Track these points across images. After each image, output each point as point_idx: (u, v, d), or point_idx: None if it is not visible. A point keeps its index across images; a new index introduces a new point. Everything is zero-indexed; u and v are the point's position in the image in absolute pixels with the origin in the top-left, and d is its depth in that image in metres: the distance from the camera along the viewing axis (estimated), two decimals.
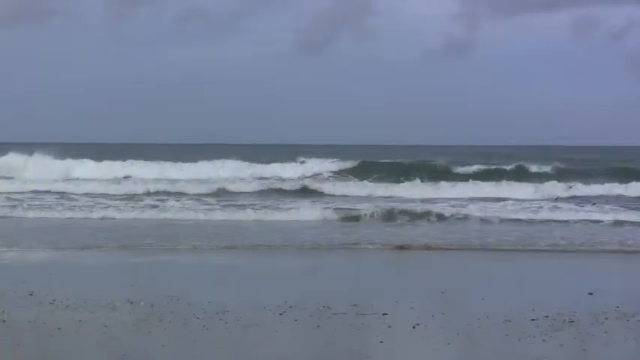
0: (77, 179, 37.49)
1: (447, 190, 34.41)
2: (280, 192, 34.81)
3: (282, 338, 9.75)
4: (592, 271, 16.52)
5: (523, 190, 33.72)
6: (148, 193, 32.89)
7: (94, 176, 38.73)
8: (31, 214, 25.92)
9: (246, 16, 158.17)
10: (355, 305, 11.32)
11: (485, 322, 10.49)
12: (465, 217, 25.12)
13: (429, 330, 10.09)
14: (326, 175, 42.07)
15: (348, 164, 44.25)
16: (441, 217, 25.15)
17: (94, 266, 15.93)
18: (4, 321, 10.31)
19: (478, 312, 11.03)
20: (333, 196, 33.65)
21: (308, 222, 24.20)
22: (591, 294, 12.40)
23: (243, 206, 27.77)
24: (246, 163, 43.25)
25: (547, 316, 10.72)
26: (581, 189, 34.40)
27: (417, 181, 37.99)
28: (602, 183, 35.91)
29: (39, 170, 39.85)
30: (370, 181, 38.35)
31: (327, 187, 35.75)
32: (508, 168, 43.44)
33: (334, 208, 26.69)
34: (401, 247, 18.66)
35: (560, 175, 41.16)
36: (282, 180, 38.52)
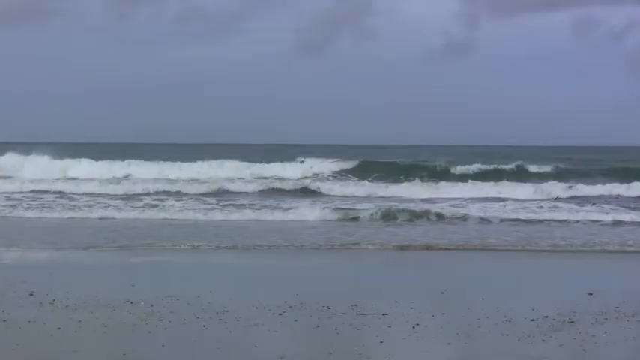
0: (77, 179, 37.48)
1: (447, 190, 34.43)
2: (280, 192, 34.83)
3: (282, 338, 9.76)
4: (592, 271, 16.52)
5: (523, 190, 33.72)
6: (148, 193, 32.90)
7: (93, 176, 38.74)
8: (30, 214, 25.94)
9: (246, 16, 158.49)
10: (355, 305, 11.33)
11: (485, 322, 10.50)
12: (465, 217, 25.13)
13: (429, 330, 10.10)
14: (326, 175, 42.07)
15: (348, 164, 44.26)
16: (440, 217, 25.16)
17: (93, 266, 15.93)
18: (4, 321, 10.32)
19: (478, 312, 11.03)
20: (332, 196, 33.66)
21: (308, 222, 24.22)
22: (591, 294, 12.40)
23: (242, 206, 27.79)
24: (245, 163, 43.25)
25: (547, 316, 10.72)
26: (581, 189, 34.42)
27: (417, 181, 38.04)
28: (602, 183, 35.94)
29: (38, 170, 39.84)
30: (370, 181, 38.39)
31: (326, 187, 35.76)
32: (508, 168, 43.48)
33: (334, 208, 26.70)
34: (401, 247, 18.66)
35: (560, 175, 41.22)
36: (282, 180, 38.53)
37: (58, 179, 37.15)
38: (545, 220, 24.74)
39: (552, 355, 9.16)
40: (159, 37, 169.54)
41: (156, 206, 27.83)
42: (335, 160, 45.20)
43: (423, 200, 30.73)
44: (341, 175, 42.06)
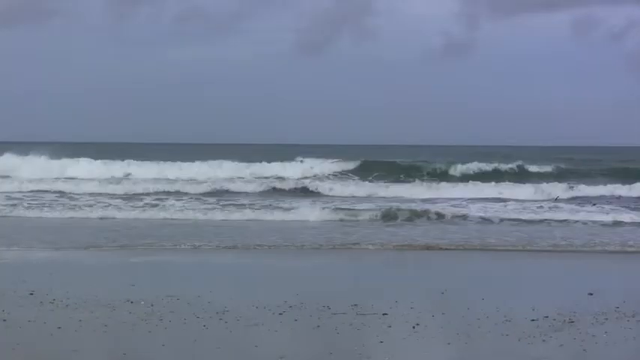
0: (77, 179, 37.47)
1: (447, 190, 34.45)
2: (280, 192, 34.83)
3: (282, 338, 9.76)
4: (592, 271, 16.52)
5: (523, 190, 33.73)
6: (148, 193, 32.89)
7: (93, 176, 38.73)
8: (30, 214, 25.94)
9: (246, 16, 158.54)
10: (355, 305, 11.32)
11: (485, 322, 10.49)
12: (465, 217, 25.14)
13: (429, 330, 10.09)
14: (326, 175, 42.07)
15: (349, 164, 44.25)
16: (441, 217, 25.16)
17: (94, 266, 15.92)
18: (4, 320, 10.32)
19: (478, 312, 11.03)
20: (333, 196, 33.65)
21: (308, 222, 24.22)
22: (591, 294, 12.39)
23: (243, 206, 27.79)
24: (245, 163, 43.23)
25: (547, 317, 10.72)
26: (581, 189, 34.43)
27: (417, 181, 38.06)
28: (603, 183, 35.95)
29: (38, 169, 39.83)
30: (370, 181, 38.40)
31: (327, 187, 35.75)
32: (508, 168, 43.48)
33: (334, 208, 26.70)
34: (401, 247, 18.68)
35: (561, 176, 41.24)
36: (282, 180, 38.53)
37: (57, 179, 37.14)
38: (546, 220, 24.74)
39: (553, 355, 9.16)
40: (159, 37, 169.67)
41: (156, 206, 27.84)
42: (335, 160, 45.18)
43: (424, 200, 30.73)
44: (341, 175, 42.06)
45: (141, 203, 28.67)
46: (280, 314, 10.83)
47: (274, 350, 9.11)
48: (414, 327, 10.15)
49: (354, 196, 33.12)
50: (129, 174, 40.47)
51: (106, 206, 27.31)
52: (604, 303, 11.70)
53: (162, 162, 43.26)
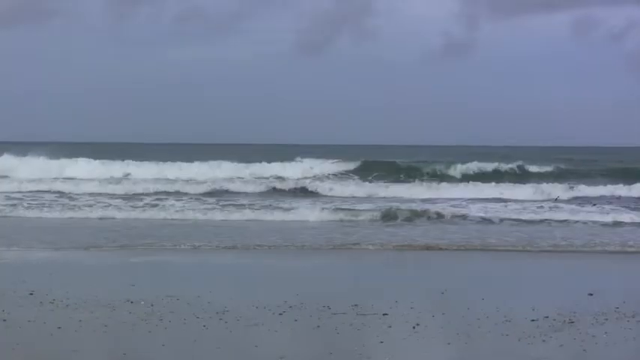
0: (77, 179, 37.45)
1: (447, 190, 34.43)
2: (280, 192, 34.82)
3: (282, 338, 9.75)
4: (592, 271, 16.52)
5: (523, 190, 33.73)
6: (148, 193, 32.88)
7: (93, 176, 38.71)
8: (30, 214, 25.94)
9: (246, 16, 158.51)
10: (355, 305, 11.32)
11: (485, 322, 10.49)
12: (465, 218, 25.13)
13: (429, 330, 10.09)
14: (326, 175, 42.06)
15: (349, 164, 44.24)
16: (441, 217, 25.16)
17: (94, 266, 15.92)
18: (4, 320, 10.31)
19: (478, 312, 11.03)
20: (332, 196, 33.64)
21: (308, 222, 24.21)
22: (591, 294, 12.39)
23: (242, 206, 27.79)
24: (245, 163, 43.22)
25: (547, 317, 10.72)
26: (581, 189, 34.42)
27: (417, 181, 38.07)
28: (603, 184, 35.94)
29: (38, 169, 39.82)
30: (370, 182, 38.40)
31: (326, 187, 35.74)
32: (508, 168, 43.47)
33: (334, 209, 26.70)
34: (400, 247, 18.68)
35: (561, 176, 41.22)
36: (282, 180, 38.51)
37: (57, 179, 37.12)
38: (546, 220, 24.74)
39: (553, 355, 9.16)
40: (159, 37, 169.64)
41: (156, 206, 27.84)
42: (335, 160, 45.18)
43: (424, 200, 30.72)
44: (341, 175, 42.05)
45: (141, 203, 28.67)
46: (280, 314, 10.83)
47: (274, 350, 9.11)
48: (414, 327, 10.14)
49: (354, 197, 33.11)
50: (128, 174, 40.44)
51: (105, 206, 27.31)
52: (604, 303, 11.70)
53: (162, 162, 43.23)
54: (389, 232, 21.96)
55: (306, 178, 39.96)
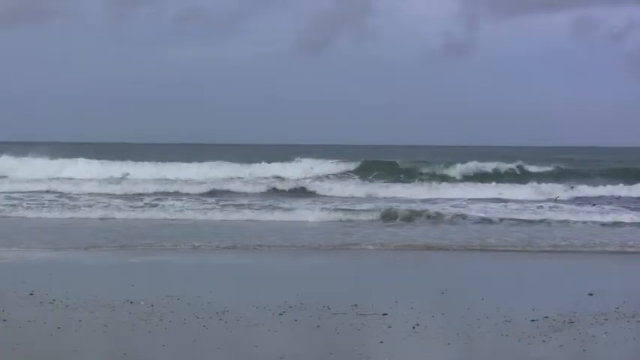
0: (77, 179, 37.44)
1: (447, 190, 34.42)
2: (280, 192, 34.81)
3: (282, 338, 9.75)
4: (592, 271, 16.52)
5: (523, 190, 33.72)
6: (148, 193, 32.87)
7: (93, 176, 38.70)
8: (30, 214, 25.93)
9: (246, 16, 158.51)
10: (355, 305, 11.32)
11: (485, 322, 10.49)
12: (465, 218, 25.13)
13: (429, 330, 10.09)
14: (326, 175, 42.04)
15: (349, 164, 44.22)
16: (441, 217, 25.16)
17: (93, 266, 15.92)
18: (4, 320, 10.32)
19: (478, 312, 11.03)
20: (332, 196, 33.63)
21: (308, 222, 24.21)
22: (591, 295, 12.39)
23: (242, 206, 27.78)
24: (245, 164, 43.21)
25: (547, 317, 10.72)
26: (581, 190, 34.42)
27: (417, 181, 38.06)
28: (603, 184, 35.94)
29: (37, 170, 39.81)
30: (370, 182, 38.39)
31: (326, 188, 35.73)
32: (508, 168, 43.45)
33: (334, 209, 26.70)
34: (400, 247, 18.68)
35: (561, 176, 41.21)
36: (282, 180, 38.50)
37: (57, 179, 37.11)
38: (546, 220, 24.74)
39: (552, 355, 9.16)
40: (159, 37, 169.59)
41: (155, 206, 27.83)
42: (335, 160, 45.16)
43: (423, 200, 30.72)
44: (341, 175, 42.03)
45: (140, 203, 28.66)
46: (280, 314, 10.83)
47: (274, 350, 9.11)
48: (414, 327, 10.15)
49: (353, 197, 33.10)
50: (127, 174, 40.42)
51: (105, 206, 27.31)
52: (604, 303, 11.70)
53: (161, 162, 43.22)
54: (389, 232, 21.96)
55: (306, 178, 39.95)
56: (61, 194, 32.13)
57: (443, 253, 18.22)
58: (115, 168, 41.71)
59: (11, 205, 27.41)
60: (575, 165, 47.86)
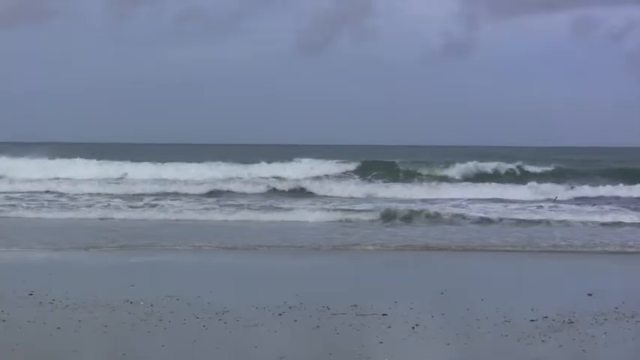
0: (76, 179, 37.43)
1: (446, 190, 34.42)
2: (280, 192, 34.81)
3: (281, 339, 9.76)
4: (591, 271, 16.52)
5: (523, 190, 33.72)
6: (147, 193, 32.87)
7: (93, 176, 38.71)
8: (30, 214, 25.93)
9: (246, 16, 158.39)
10: (355, 306, 11.32)
11: (484, 322, 10.49)
12: (465, 218, 25.12)
13: (428, 331, 10.10)
14: (326, 175, 42.02)
15: (348, 165, 44.21)
16: (440, 217, 25.15)
17: (93, 266, 15.93)
18: (3, 321, 10.32)
19: (478, 312, 11.03)
20: (332, 196, 33.62)
21: (307, 222, 24.21)
22: (591, 295, 12.39)
23: (242, 206, 27.78)
24: (245, 164, 43.20)
25: (546, 317, 10.72)
26: (581, 190, 34.41)
27: (417, 181, 38.05)
28: (603, 184, 35.93)
29: (37, 170, 39.79)
30: (370, 182, 38.38)
31: (326, 188, 35.72)
32: (508, 168, 43.44)
33: (334, 209, 26.69)
34: (400, 247, 18.67)
35: (560, 176, 41.18)
36: (282, 180, 38.48)
37: (56, 179, 37.10)
38: (546, 220, 24.73)
39: (552, 355, 9.16)
40: (159, 37, 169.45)
41: (155, 206, 27.83)
42: (335, 160, 45.15)
43: (423, 201, 30.73)
44: (341, 176, 42.02)
45: (140, 204, 28.67)
46: (280, 315, 10.83)
47: (274, 351, 9.11)
48: (413, 327, 10.15)
49: (353, 197, 33.10)
50: (126, 174, 40.40)
51: (105, 207, 27.31)
52: (603, 303, 11.70)
53: (161, 162, 43.21)
54: (388, 232, 21.97)
55: (305, 178, 39.93)
56: (61, 194, 32.14)
57: (442, 254, 18.22)
58: (115, 168, 41.71)
59: (11, 206, 27.42)
60: (575, 165, 47.82)
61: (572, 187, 34.71)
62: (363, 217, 25.22)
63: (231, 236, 20.39)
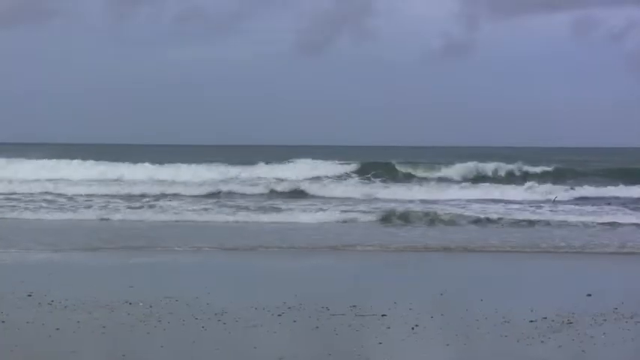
0: (75, 180, 37.42)
1: (446, 191, 34.41)
2: (279, 193, 34.79)
3: (280, 339, 9.75)
4: (591, 272, 16.52)
5: (523, 191, 33.72)
6: (146, 194, 32.86)
7: (92, 177, 38.71)
8: (28, 215, 25.91)
9: (246, 16, 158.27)
10: (354, 306, 11.32)
11: (484, 323, 10.49)
12: (464, 218, 25.12)
13: (427, 331, 10.09)
14: (325, 176, 42.02)
15: (348, 165, 44.21)
16: (440, 218, 25.14)
17: (92, 267, 15.92)
18: (2, 322, 10.31)
19: (477, 313, 11.03)
20: (332, 197, 33.60)
21: (307, 223, 24.20)
22: (590, 295, 12.39)
23: (241, 207, 27.77)
24: (244, 165, 43.20)
25: (546, 318, 10.71)
26: (581, 190, 34.41)
27: (417, 182, 38.04)
28: (603, 184, 35.93)
29: (36, 171, 39.79)
30: (370, 182, 38.37)
31: (326, 188, 35.72)
32: (508, 169, 43.44)
33: (333, 210, 26.68)
34: (399, 248, 18.66)
35: (560, 176, 41.18)
36: (281, 181, 38.47)
37: (56, 180, 37.08)
38: (545, 221, 24.73)
39: (551, 356, 9.16)
40: (159, 37, 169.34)
41: (154, 207, 27.81)
42: (335, 161, 45.15)
43: (423, 201, 30.71)
44: (341, 176, 42.01)
45: (139, 204, 28.65)
46: (279, 315, 10.82)
47: (273, 351, 9.10)
48: (412, 328, 10.14)
49: (353, 198, 33.08)
50: (127, 176, 40.40)
51: (104, 207, 27.29)
52: (603, 304, 11.70)
53: (161, 163, 43.22)
54: (388, 233, 21.96)
55: (305, 179, 39.92)
56: (60, 195, 32.11)
57: (442, 254, 18.21)
58: (115, 169, 41.71)
59: (10, 207, 27.40)
60: (575, 165, 47.83)
61: (571, 188, 34.70)
62: (363, 217, 25.22)
63: (231, 237, 20.39)
